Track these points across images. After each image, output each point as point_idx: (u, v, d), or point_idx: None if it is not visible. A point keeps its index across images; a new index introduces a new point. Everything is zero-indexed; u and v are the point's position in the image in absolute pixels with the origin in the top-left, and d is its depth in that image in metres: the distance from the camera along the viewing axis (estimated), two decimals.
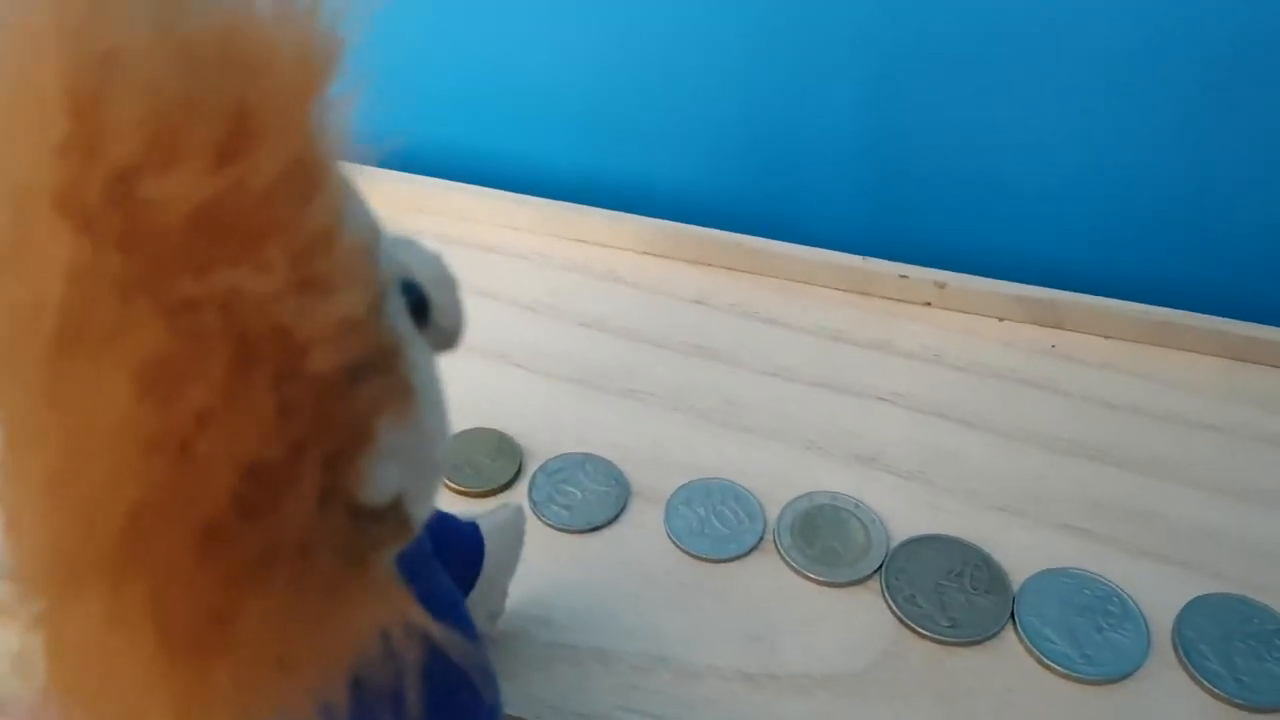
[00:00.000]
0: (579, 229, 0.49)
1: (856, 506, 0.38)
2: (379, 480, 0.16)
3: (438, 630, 0.17)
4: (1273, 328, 0.43)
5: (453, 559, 0.29)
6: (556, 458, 0.40)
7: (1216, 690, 0.33)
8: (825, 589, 0.36)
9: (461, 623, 0.25)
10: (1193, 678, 0.34)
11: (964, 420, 0.42)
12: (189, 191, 0.14)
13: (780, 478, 0.39)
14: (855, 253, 0.47)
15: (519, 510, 0.32)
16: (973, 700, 0.33)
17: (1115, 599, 0.35)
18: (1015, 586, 0.36)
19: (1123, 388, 0.43)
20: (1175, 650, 0.34)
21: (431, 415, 0.19)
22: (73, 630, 0.15)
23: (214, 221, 0.14)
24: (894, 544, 0.37)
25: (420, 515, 0.19)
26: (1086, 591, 0.36)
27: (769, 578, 0.36)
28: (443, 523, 0.30)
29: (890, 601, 0.35)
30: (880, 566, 0.36)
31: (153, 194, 0.14)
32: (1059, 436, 0.41)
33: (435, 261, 0.21)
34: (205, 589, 0.14)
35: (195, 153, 0.14)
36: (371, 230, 0.18)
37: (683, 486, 0.39)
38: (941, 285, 0.45)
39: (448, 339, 0.21)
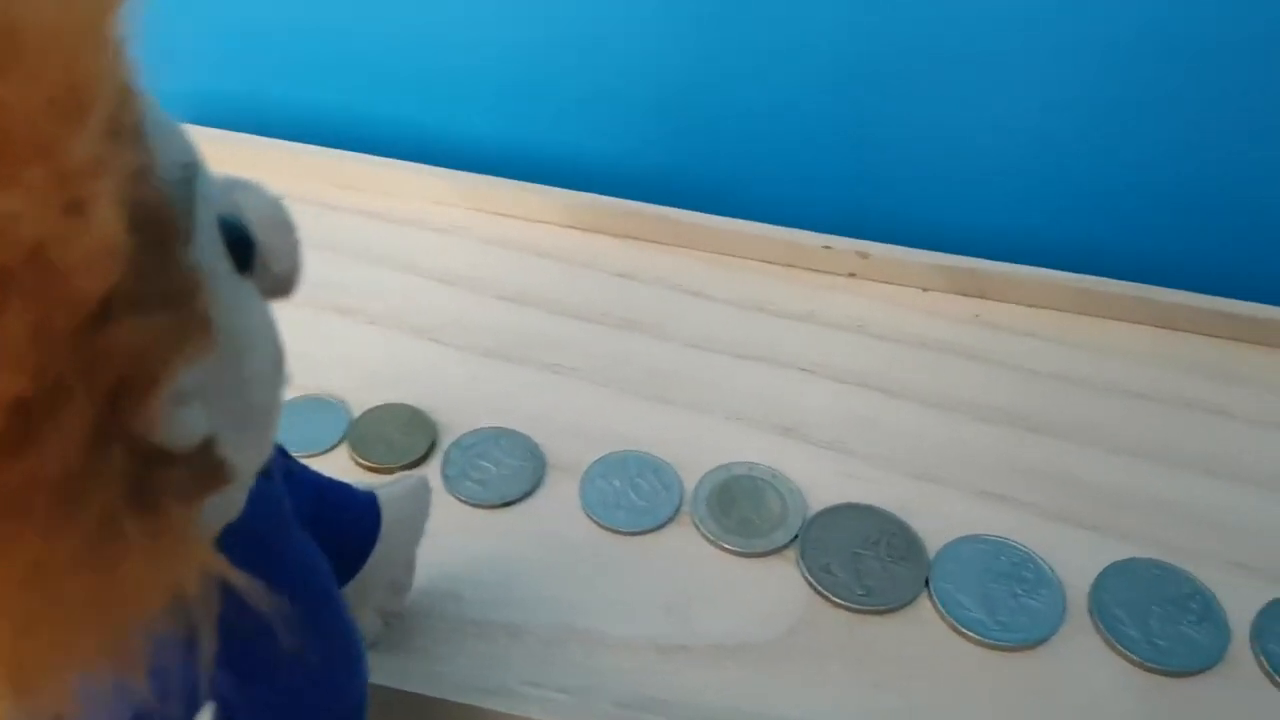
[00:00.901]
0: (500, 202, 0.48)
1: (774, 476, 0.38)
2: (177, 422, 0.16)
3: (243, 582, 0.17)
4: (1198, 294, 0.43)
5: (345, 527, 0.29)
6: (471, 432, 0.39)
7: (1131, 655, 0.33)
8: (740, 560, 0.36)
9: (314, 589, 0.25)
10: (1108, 642, 0.33)
11: (885, 389, 0.41)
12: None
13: (700, 449, 0.39)
14: (781, 224, 0.46)
15: (422, 480, 0.32)
16: (885, 667, 0.33)
17: (1031, 565, 0.35)
18: (932, 554, 0.35)
19: (1046, 355, 0.43)
20: (1091, 615, 0.34)
21: (251, 358, 0.18)
22: None
23: None
24: (810, 513, 0.37)
25: (243, 463, 0.19)
26: (1002, 558, 0.35)
27: (684, 550, 0.36)
28: (337, 491, 0.29)
29: (805, 571, 0.35)
30: (796, 536, 0.36)
31: None
32: (980, 404, 0.41)
33: (271, 205, 0.20)
34: None
35: None
36: (181, 162, 0.17)
37: (599, 459, 0.38)
38: (864, 255, 0.45)
39: (280, 284, 0.21)
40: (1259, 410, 0.40)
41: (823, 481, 0.38)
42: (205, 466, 0.17)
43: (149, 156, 0.16)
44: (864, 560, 0.35)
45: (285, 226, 0.21)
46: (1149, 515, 0.37)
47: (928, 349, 0.43)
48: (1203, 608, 0.34)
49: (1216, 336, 0.43)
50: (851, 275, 0.46)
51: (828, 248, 0.45)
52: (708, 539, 0.36)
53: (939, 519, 0.37)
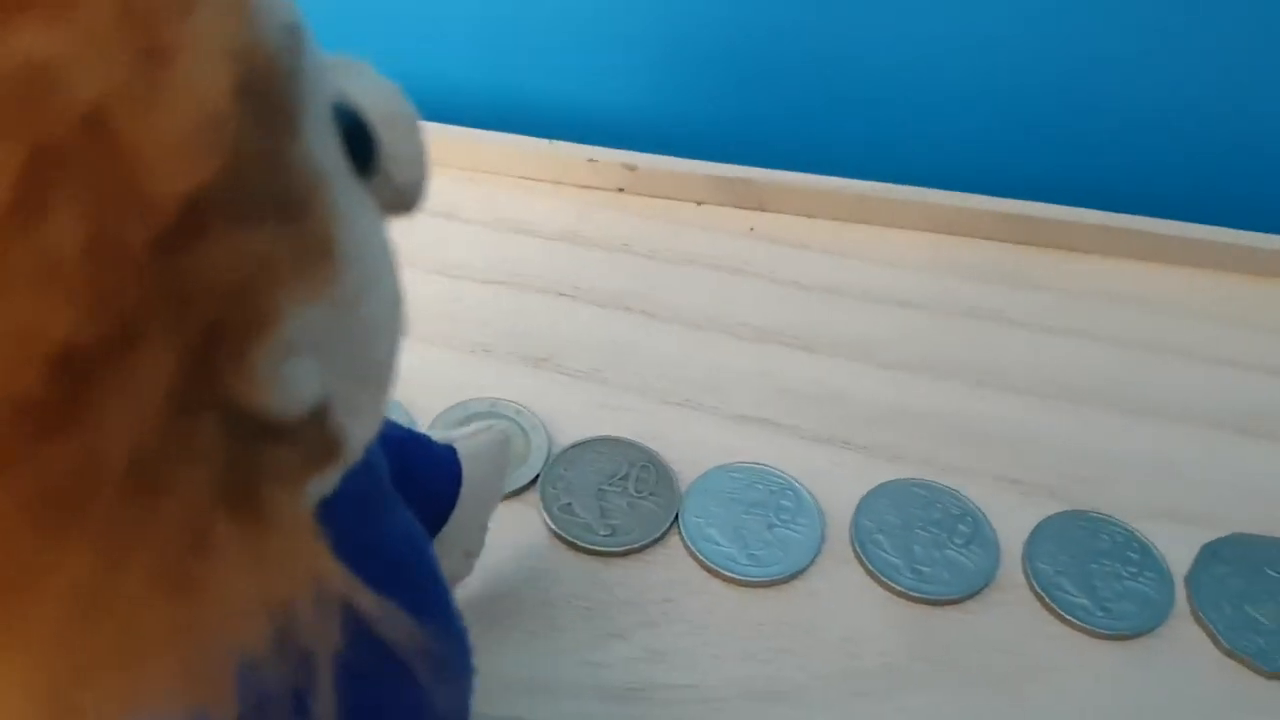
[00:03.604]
0: None
1: (518, 413, 0.34)
2: (286, 381, 0.12)
3: (370, 601, 0.12)
4: (981, 196, 0.41)
5: (423, 490, 0.24)
6: None
7: (893, 584, 0.30)
8: None
9: (424, 580, 0.20)
10: (869, 571, 0.31)
11: (648, 312, 0.38)
12: None
13: (437, 388, 0.35)
14: (544, 138, 0.42)
15: (504, 434, 0.27)
16: (627, 614, 0.29)
17: (790, 492, 0.32)
18: (684, 487, 0.32)
19: (822, 268, 0.40)
20: (852, 543, 0.31)
21: (372, 295, 0.14)
22: None
23: None
24: (557, 451, 0.33)
25: (360, 434, 0.14)
26: (759, 486, 0.32)
27: None
28: (415, 444, 0.25)
29: (544, 513, 0.31)
30: (538, 476, 0.32)
31: None
32: (748, 323, 0.37)
33: (392, 94, 0.16)
34: None
35: None
36: (284, 23, 0.12)
37: None
38: (632, 168, 0.41)
39: (403, 198, 0.16)
40: (1039, 314, 0.38)
41: (575, 415, 0.34)
42: (316, 441, 0.13)
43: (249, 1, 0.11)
44: (609, 497, 0.32)
45: (409, 122, 0.16)
46: (921, 433, 0.34)
47: (697, 266, 0.40)
48: (972, 529, 0.32)
49: (998, 240, 0.41)
50: (620, 190, 0.42)
51: (592, 160, 0.42)
52: None
53: (696, 449, 0.33)
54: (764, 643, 0.29)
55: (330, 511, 0.15)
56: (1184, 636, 0.30)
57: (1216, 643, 0.30)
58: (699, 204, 0.42)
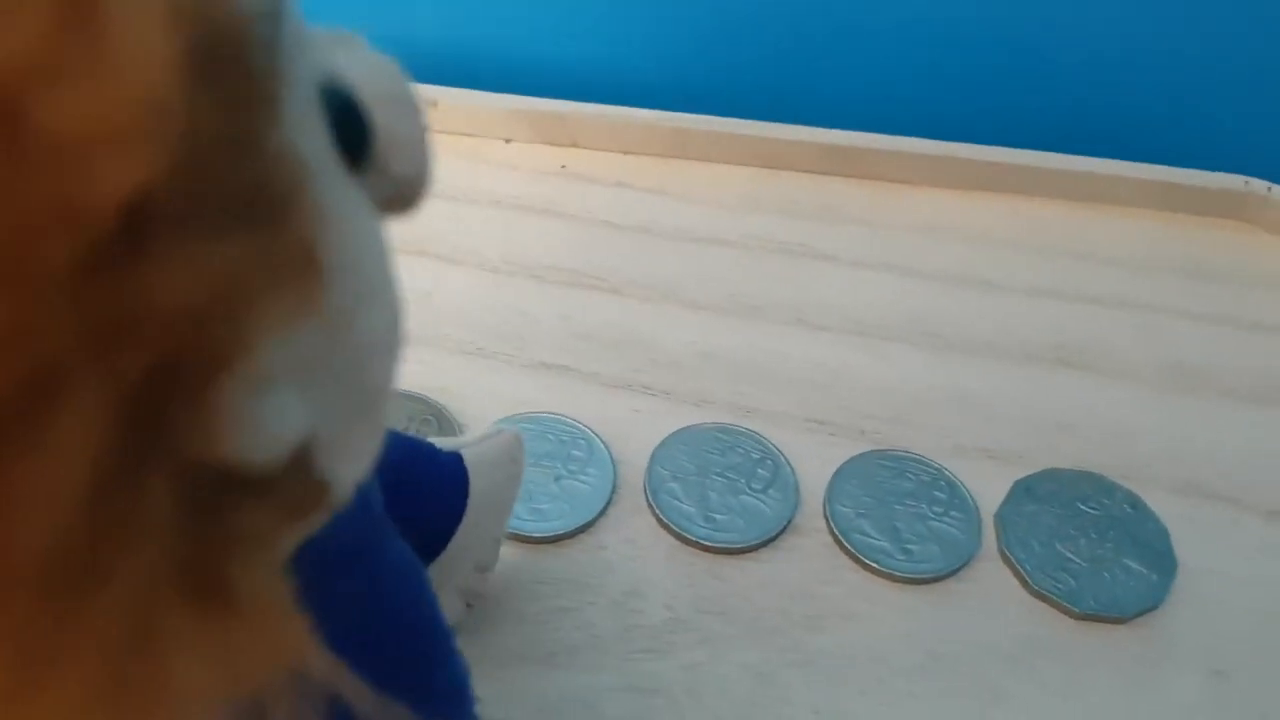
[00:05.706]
0: None
1: None
2: (261, 421, 0.09)
3: (356, 689, 0.10)
4: (800, 127, 0.39)
5: (426, 505, 0.22)
6: None
7: (684, 533, 0.28)
8: None
9: (416, 621, 0.18)
10: (660, 521, 0.29)
11: (446, 257, 0.36)
12: None
13: None
14: None
15: (515, 437, 0.24)
16: None
17: (582, 442, 0.30)
18: None
19: (635, 207, 0.38)
20: (645, 492, 0.29)
21: (368, 311, 0.11)
22: None
23: None
24: None
25: (350, 474, 0.12)
26: (550, 437, 0.30)
27: None
28: (417, 454, 0.22)
29: None
30: None
31: None
32: (552, 265, 0.35)
33: (389, 72, 0.13)
34: None
35: None
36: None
37: None
38: (433, 103, 0.39)
39: (404, 192, 0.13)
40: (854, 249, 0.37)
41: None
42: (297, 491, 0.11)
43: None
44: None
45: (409, 104, 0.13)
46: (727, 376, 0.33)
47: (504, 208, 0.37)
48: (772, 473, 0.30)
49: (818, 173, 0.39)
50: None
51: None
52: None
53: (488, 400, 0.31)
54: (543, 603, 0.27)
55: (309, 557, 0.12)
56: (991, 578, 0.29)
57: (1025, 584, 0.29)
58: (508, 141, 0.39)
